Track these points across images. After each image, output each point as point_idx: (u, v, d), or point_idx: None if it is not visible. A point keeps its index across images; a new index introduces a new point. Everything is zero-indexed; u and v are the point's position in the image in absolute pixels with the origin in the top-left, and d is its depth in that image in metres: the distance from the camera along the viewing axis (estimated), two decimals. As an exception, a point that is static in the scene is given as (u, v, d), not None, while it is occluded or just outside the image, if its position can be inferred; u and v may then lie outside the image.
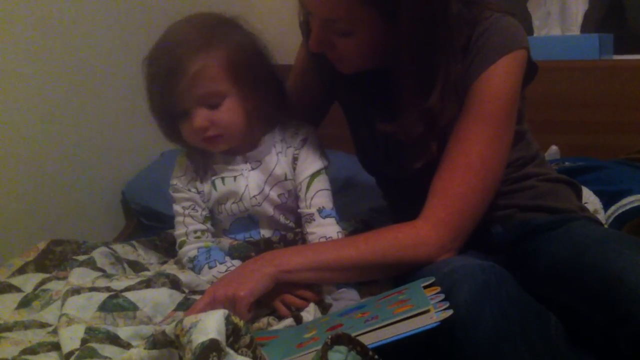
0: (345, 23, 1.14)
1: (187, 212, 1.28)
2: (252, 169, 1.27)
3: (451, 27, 1.15)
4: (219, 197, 1.27)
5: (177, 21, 1.22)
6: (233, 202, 1.26)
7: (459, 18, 1.18)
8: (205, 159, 1.28)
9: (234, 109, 1.20)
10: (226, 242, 1.29)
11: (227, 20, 1.24)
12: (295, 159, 1.28)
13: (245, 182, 1.26)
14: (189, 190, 1.28)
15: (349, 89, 1.33)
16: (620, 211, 1.56)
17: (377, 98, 1.27)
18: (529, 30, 2.21)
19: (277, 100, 1.26)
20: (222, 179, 1.27)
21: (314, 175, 1.27)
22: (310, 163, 1.27)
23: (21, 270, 1.33)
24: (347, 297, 1.18)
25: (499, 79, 1.17)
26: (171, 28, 1.22)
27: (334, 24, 1.15)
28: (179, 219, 1.29)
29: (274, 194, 1.27)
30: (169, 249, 1.43)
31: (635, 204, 1.56)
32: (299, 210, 1.27)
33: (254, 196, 1.26)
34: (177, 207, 1.29)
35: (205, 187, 1.28)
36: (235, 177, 1.27)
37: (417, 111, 1.17)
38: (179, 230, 1.29)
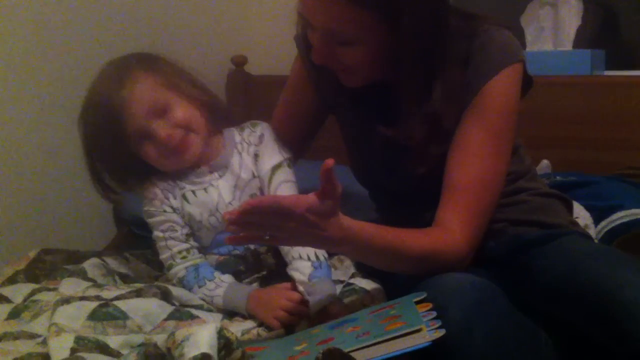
0: (347, 32, 1.13)
1: (167, 234, 1.27)
2: (220, 176, 1.29)
3: (449, 37, 1.17)
4: (193, 212, 1.27)
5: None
6: (211, 215, 1.27)
7: (457, 30, 1.19)
8: (172, 178, 1.28)
9: (185, 107, 1.24)
10: (212, 259, 1.29)
11: (145, 55, 1.28)
12: (256, 156, 1.30)
13: (217, 190, 1.27)
14: (164, 211, 1.27)
15: (348, 102, 1.33)
16: (610, 226, 1.57)
17: (377, 111, 1.27)
18: (522, 45, 2.21)
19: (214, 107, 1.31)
20: (193, 192, 1.28)
21: (274, 168, 1.29)
22: (270, 157, 1.30)
23: (11, 280, 1.32)
24: (321, 290, 1.17)
25: (501, 92, 1.19)
26: (93, 85, 1.25)
27: (335, 34, 1.14)
28: (161, 243, 1.28)
29: (246, 196, 1.27)
30: (161, 262, 1.41)
31: (625, 220, 1.56)
32: None
33: (229, 202, 1.26)
34: (156, 233, 1.29)
35: (178, 203, 1.28)
36: (205, 189, 1.28)
37: (419, 114, 1.17)
38: (164, 255, 1.28)
